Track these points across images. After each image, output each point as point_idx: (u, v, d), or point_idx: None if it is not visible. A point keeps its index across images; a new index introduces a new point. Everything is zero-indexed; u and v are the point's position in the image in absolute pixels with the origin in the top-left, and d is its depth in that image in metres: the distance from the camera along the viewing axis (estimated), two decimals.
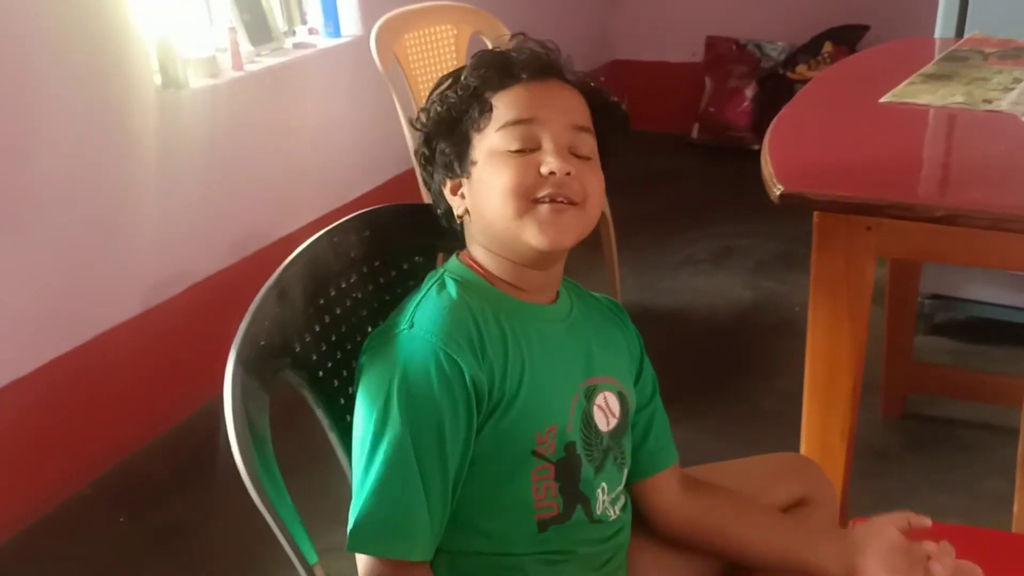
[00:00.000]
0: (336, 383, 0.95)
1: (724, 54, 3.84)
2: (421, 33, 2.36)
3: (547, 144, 0.88)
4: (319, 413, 0.93)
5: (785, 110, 1.48)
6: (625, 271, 2.51)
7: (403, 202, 1.05)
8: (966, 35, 1.95)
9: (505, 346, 0.86)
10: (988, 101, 1.44)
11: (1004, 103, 1.43)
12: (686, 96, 3.90)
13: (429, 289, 0.89)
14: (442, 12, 2.42)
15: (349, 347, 0.96)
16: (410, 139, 0.92)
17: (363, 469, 0.82)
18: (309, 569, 0.78)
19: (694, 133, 3.89)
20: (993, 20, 1.95)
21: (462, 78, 0.92)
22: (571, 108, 0.91)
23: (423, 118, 0.94)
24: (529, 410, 0.87)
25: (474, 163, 0.90)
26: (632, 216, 2.96)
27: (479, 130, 0.90)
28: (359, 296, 0.98)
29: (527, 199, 0.86)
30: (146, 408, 2.12)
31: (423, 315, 0.86)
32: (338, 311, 0.95)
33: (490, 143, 0.89)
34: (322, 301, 0.93)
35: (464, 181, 0.92)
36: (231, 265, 2.28)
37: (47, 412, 1.92)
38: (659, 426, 1.01)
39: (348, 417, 0.95)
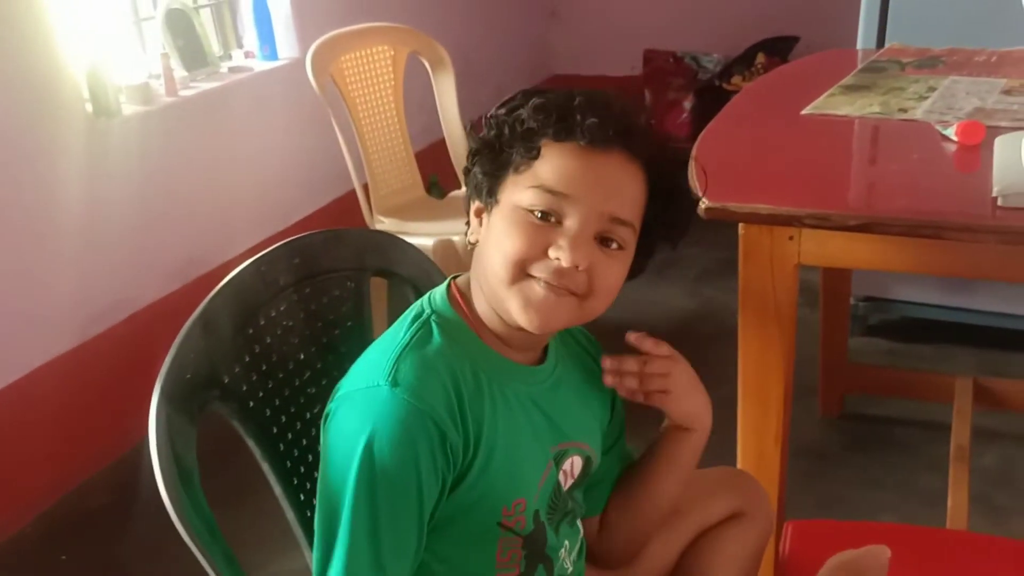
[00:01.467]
0: (268, 412, 0.95)
1: (662, 67, 3.91)
2: (358, 55, 2.37)
3: (570, 226, 0.81)
4: (250, 443, 0.93)
5: (713, 123, 1.52)
6: None
7: (332, 228, 1.05)
8: (886, 45, 2.01)
9: (482, 415, 0.82)
10: (904, 110, 1.49)
11: (919, 112, 1.48)
12: None
13: (415, 337, 0.83)
14: (379, 33, 2.43)
15: (280, 375, 0.96)
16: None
17: (330, 531, 0.79)
18: None
19: None
20: (912, 30, 2.03)
21: (525, 108, 0.84)
22: (618, 194, 0.83)
23: (480, 129, 0.88)
24: (498, 484, 0.84)
25: (497, 203, 0.85)
26: None
27: (517, 171, 0.83)
28: (290, 324, 0.98)
29: (524, 271, 0.81)
30: (89, 441, 2.08)
31: (406, 371, 0.80)
32: (268, 340, 0.95)
33: (518, 194, 0.83)
34: (251, 331, 0.93)
35: (485, 213, 0.87)
36: (170, 293, 2.26)
37: None
38: (609, 473, 1.01)
39: (281, 446, 0.95)
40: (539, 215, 0.81)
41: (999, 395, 1.98)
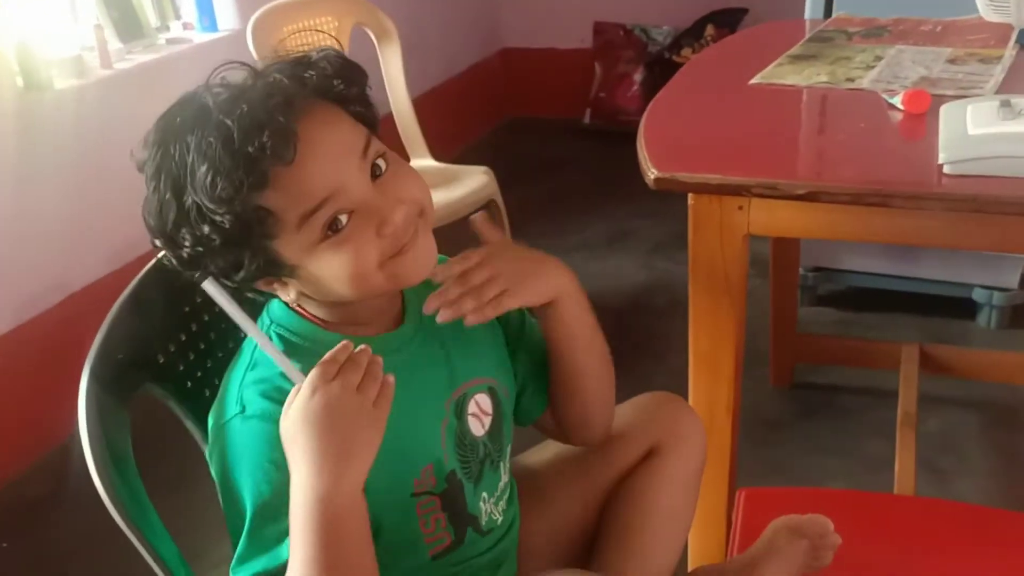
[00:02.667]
0: (207, 392, 0.91)
1: (612, 39, 3.89)
2: (301, 26, 2.30)
3: (360, 205, 0.75)
4: (189, 425, 0.90)
5: (660, 95, 1.50)
6: None
7: None
8: (833, 15, 2.02)
9: None
10: (851, 80, 1.50)
11: (865, 81, 1.48)
12: (577, 82, 3.94)
13: (252, 358, 0.80)
14: (322, 3, 2.37)
15: (220, 354, 0.93)
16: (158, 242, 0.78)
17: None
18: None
19: (586, 118, 3.93)
20: (858, 1, 2.03)
21: (201, 191, 0.71)
22: (345, 141, 0.76)
23: (172, 252, 0.77)
24: (396, 462, 0.81)
25: (296, 267, 0.77)
26: (526, 203, 2.97)
27: (275, 236, 0.74)
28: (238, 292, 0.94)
29: (381, 268, 0.77)
30: (23, 430, 2.01)
31: (251, 395, 0.77)
32: (206, 317, 0.92)
33: (302, 242, 0.75)
34: (187, 308, 0.90)
35: (287, 280, 0.79)
36: (108, 274, 2.18)
37: None
38: (531, 373, 0.95)
39: None
40: (336, 229, 0.75)
41: (943, 361, 2.01)
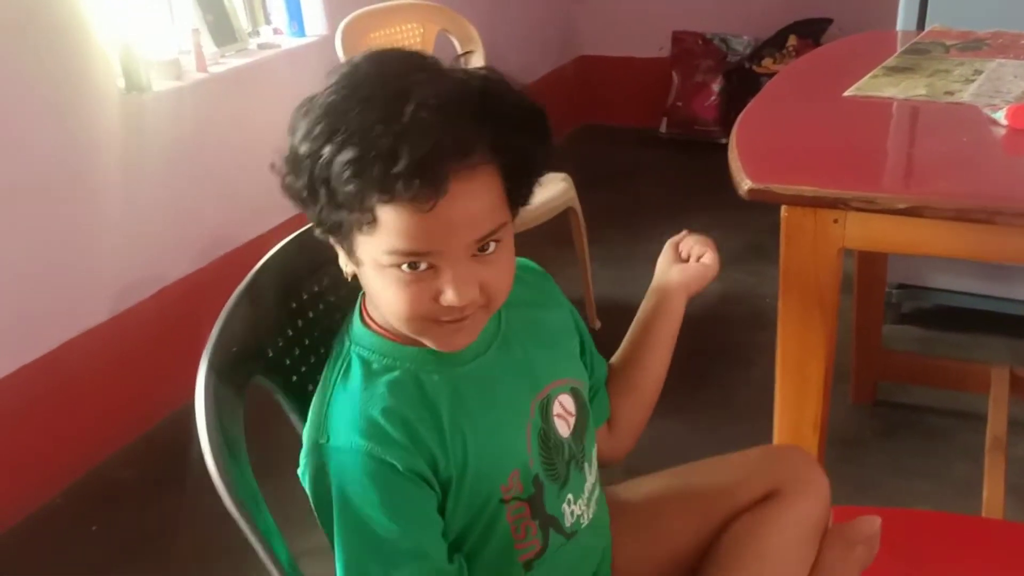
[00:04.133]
0: (310, 387, 0.93)
1: (690, 48, 3.87)
2: (387, 32, 2.35)
3: (447, 273, 0.74)
4: (293, 418, 0.92)
5: (752, 104, 1.49)
6: (596, 266, 2.52)
7: None
8: (927, 28, 1.98)
9: (438, 420, 0.80)
10: (950, 93, 1.46)
11: (966, 95, 1.45)
12: (654, 91, 3.92)
13: (335, 384, 0.81)
14: (408, 11, 2.41)
15: (323, 350, 0.95)
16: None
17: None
18: (284, 574, 0.78)
19: (662, 127, 3.90)
20: (953, 13, 1.98)
21: (335, 163, 0.70)
22: (477, 220, 0.74)
23: (291, 174, 0.75)
24: (486, 471, 0.83)
25: (360, 262, 0.78)
26: (603, 210, 2.97)
27: (363, 232, 0.74)
28: (332, 299, 0.97)
29: (424, 321, 0.77)
30: (116, 415, 2.09)
31: (337, 422, 0.79)
32: (311, 314, 0.94)
33: (376, 255, 0.75)
34: (294, 305, 0.92)
35: (350, 259, 0.80)
36: (201, 268, 2.26)
37: (15, 421, 1.89)
38: (599, 379, 1.02)
39: None
40: (408, 266, 0.74)
41: None
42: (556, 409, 0.90)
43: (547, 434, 0.88)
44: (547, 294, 0.97)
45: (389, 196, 0.70)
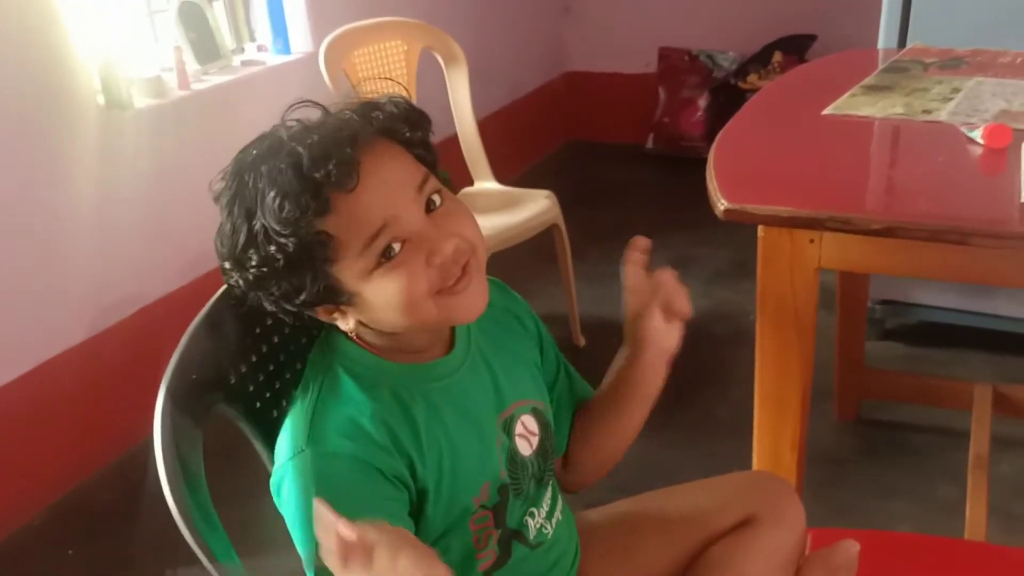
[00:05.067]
0: (275, 413, 0.93)
1: (677, 65, 3.88)
2: (371, 49, 2.35)
3: (418, 238, 0.79)
4: (257, 445, 0.91)
5: (730, 124, 1.49)
6: (581, 283, 2.51)
7: None
8: (908, 45, 1.98)
9: (416, 431, 0.83)
10: (928, 112, 1.46)
11: (943, 113, 1.45)
12: (640, 107, 3.93)
13: (322, 388, 0.83)
14: (392, 28, 2.41)
15: (288, 375, 0.94)
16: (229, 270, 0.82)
17: None
18: None
19: (649, 143, 3.91)
20: (934, 30, 1.99)
21: (269, 214, 0.76)
22: (402, 174, 0.80)
23: (239, 274, 0.80)
24: (459, 485, 0.85)
25: (354, 294, 0.80)
26: (587, 227, 2.96)
27: (334, 261, 0.78)
28: (298, 323, 0.95)
29: (430, 298, 0.80)
30: (95, 436, 2.07)
31: (321, 429, 0.80)
32: (276, 339, 0.93)
33: (358, 268, 0.79)
34: (258, 330, 0.91)
35: (345, 308, 0.83)
36: (181, 287, 2.25)
37: None
38: (561, 410, 1.00)
39: None
40: (389, 256, 0.78)
41: (1018, 403, 1.94)
42: (519, 428, 0.92)
43: (513, 452, 0.91)
44: (512, 313, 0.98)
45: (323, 199, 0.75)
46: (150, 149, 2.18)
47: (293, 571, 0.80)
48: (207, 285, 0.91)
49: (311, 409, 0.82)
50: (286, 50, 2.63)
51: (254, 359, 0.90)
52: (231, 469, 1.04)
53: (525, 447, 0.92)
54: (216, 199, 0.81)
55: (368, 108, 0.82)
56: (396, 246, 0.78)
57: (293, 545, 0.80)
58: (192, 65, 2.36)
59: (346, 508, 0.75)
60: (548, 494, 0.96)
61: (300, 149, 0.76)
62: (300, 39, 2.65)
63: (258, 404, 0.91)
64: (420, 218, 0.80)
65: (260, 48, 2.64)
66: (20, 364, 1.93)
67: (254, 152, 0.80)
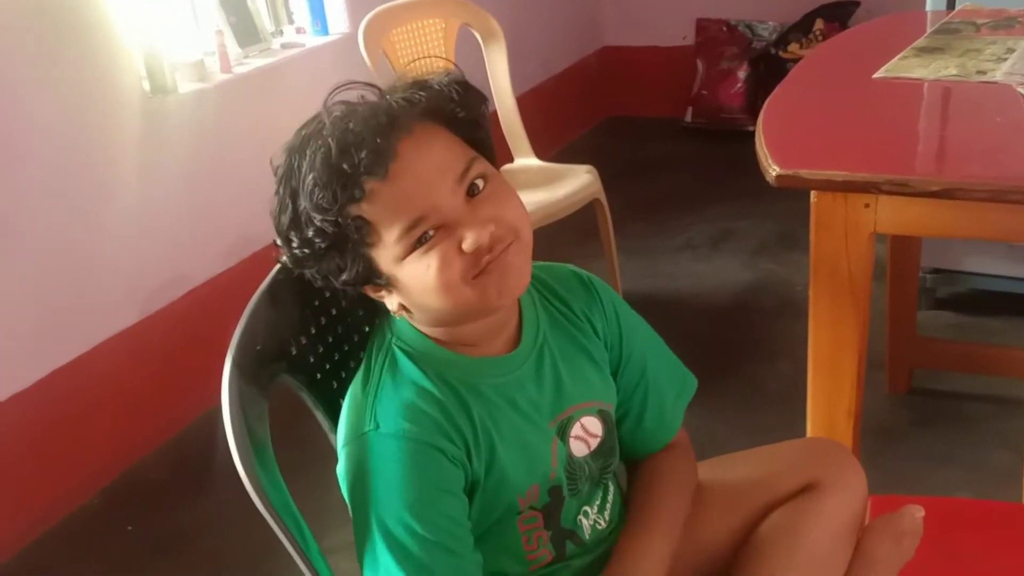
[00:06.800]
0: (335, 384, 0.94)
1: (715, 36, 3.82)
2: (409, 28, 2.35)
3: (448, 221, 0.78)
4: (318, 415, 0.92)
5: (778, 90, 1.47)
6: (623, 258, 2.50)
7: None
8: (957, 7, 1.93)
9: (472, 424, 0.83)
10: (982, 72, 1.43)
11: (998, 74, 1.42)
12: (679, 80, 3.88)
13: (382, 375, 0.84)
14: (430, 6, 2.41)
15: (346, 347, 0.95)
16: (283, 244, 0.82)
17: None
18: (314, 571, 0.78)
19: (688, 117, 3.87)
20: None
21: (303, 200, 0.78)
22: (442, 162, 0.79)
23: (287, 250, 0.81)
24: (508, 479, 0.85)
25: (392, 277, 0.81)
26: (629, 203, 2.95)
27: (371, 245, 0.79)
28: (355, 295, 0.96)
29: (467, 283, 0.79)
30: (149, 415, 2.11)
31: (385, 410, 0.81)
32: (334, 311, 0.94)
33: (393, 253, 0.79)
34: (317, 302, 0.92)
35: (387, 289, 0.83)
36: (228, 269, 2.27)
37: (49, 425, 1.92)
38: (653, 404, 0.98)
39: None
40: (425, 239, 0.78)
41: None
42: (575, 431, 0.91)
43: (569, 454, 0.90)
44: (592, 307, 0.95)
45: (353, 188, 0.76)
46: (194, 132, 2.21)
47: (341, 543, 0.81)
48: (252, 266, 0.93)
49: (374, 388, 0.83)
50: (324, 31, 2.63)
51: (313, 331, 0.91)
52: (294, 440, 1.06)
53: (580, 448, 0.91)
54: (275, 173, 0.82)
55: (416, 88, 0.81)
56: (431, 232, 0.78)
57: (347, 519, 0.82)
58: (233, 49, 2.38)
59: (409, 488, 0.77)
60: (603, 490, 0.96)
61: (334, 137, 0.76)
62: (338, 20, 2.66)
63: (319, 375, 0.92)
64: (458, 205, 0.79)
65: (299, 30, 2.65)
66: (76, 346, 1.97)
67: (303, 133, 0.80)
